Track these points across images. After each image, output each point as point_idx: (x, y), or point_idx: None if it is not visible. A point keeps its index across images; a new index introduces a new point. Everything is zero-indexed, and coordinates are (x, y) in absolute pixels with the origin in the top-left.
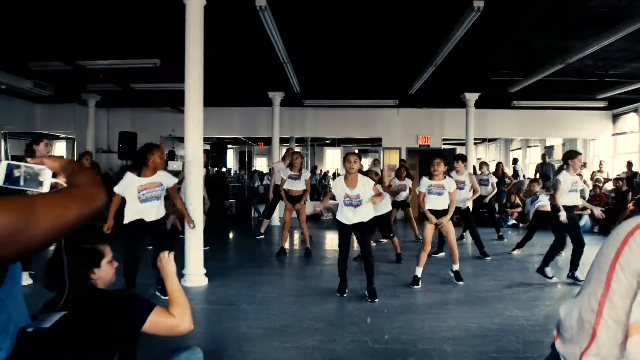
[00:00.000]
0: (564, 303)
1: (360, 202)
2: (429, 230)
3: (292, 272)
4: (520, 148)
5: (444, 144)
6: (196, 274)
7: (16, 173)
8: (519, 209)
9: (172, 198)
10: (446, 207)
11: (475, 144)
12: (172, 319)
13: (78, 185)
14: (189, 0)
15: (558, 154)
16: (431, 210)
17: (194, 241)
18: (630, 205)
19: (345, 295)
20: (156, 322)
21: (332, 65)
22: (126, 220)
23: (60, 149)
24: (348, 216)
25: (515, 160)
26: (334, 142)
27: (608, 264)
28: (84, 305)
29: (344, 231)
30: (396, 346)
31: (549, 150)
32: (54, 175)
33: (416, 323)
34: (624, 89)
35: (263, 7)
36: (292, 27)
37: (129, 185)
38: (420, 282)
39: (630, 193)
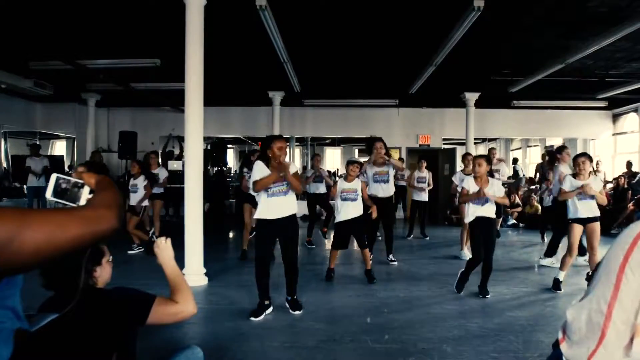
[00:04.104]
0: (571, 306)
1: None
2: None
3: None
4: (520, 148)
5: (444, 143)
6: (196, 274)
7: (62, 185)
8: (519, 209)
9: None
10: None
11: (475, 143)
12: (175, 306)
13: (90, 205)
14: (189, 0)
15: None
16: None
17: (194, 241)
18: (630, 206)
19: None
20: (159, 312)
21: (332, 65)
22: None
23: (60, 148)
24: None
25: (515, 160)
26: (334, 142)
27: (617, 265)
28: (85, 305)
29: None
30: (396, 346)
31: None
32: (92, 192)
33: (416, 323)
34: (624, 89)
35: (263, 7)
36: (292, 27)
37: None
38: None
39: (630, 192)
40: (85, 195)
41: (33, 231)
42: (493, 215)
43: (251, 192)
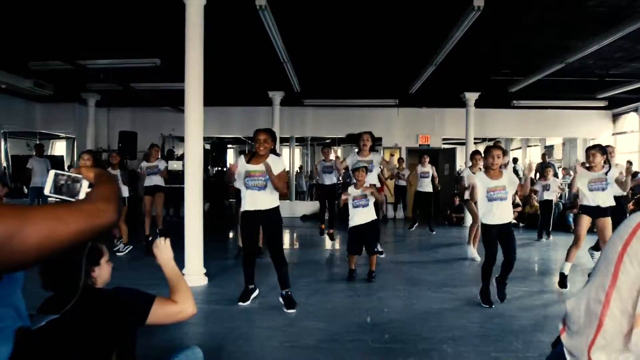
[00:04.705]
0: (571, 297)
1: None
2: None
3: (291, 272)
4: (520, 148)
5: (444, 143)
6: (196, 274)
7: (60, 181)
8: (519, 209)
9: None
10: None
11: (475, 143)
12: (174, 306)
13: (88, 199)
14: (189, 0)
15: (558, 154)
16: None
17: (194, 241)
18: (630, 205)
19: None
20: (159, 312)
21: (332, 65)
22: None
23: (60, 148)
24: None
25: (515, 160)
26: (334, 142)
27: (616, 255)
28: (85, 305)
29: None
30: (396, 346)
31: (549, 150)
32: (91, 186)
33: (416, 323)
34: (624, 89)
35: (263, 7)
36: (292, 27)
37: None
38: None
39: (630, 192)
40: (84, 189)
41: (34, 227)
42: (510, 218)
43: (236, 184)
